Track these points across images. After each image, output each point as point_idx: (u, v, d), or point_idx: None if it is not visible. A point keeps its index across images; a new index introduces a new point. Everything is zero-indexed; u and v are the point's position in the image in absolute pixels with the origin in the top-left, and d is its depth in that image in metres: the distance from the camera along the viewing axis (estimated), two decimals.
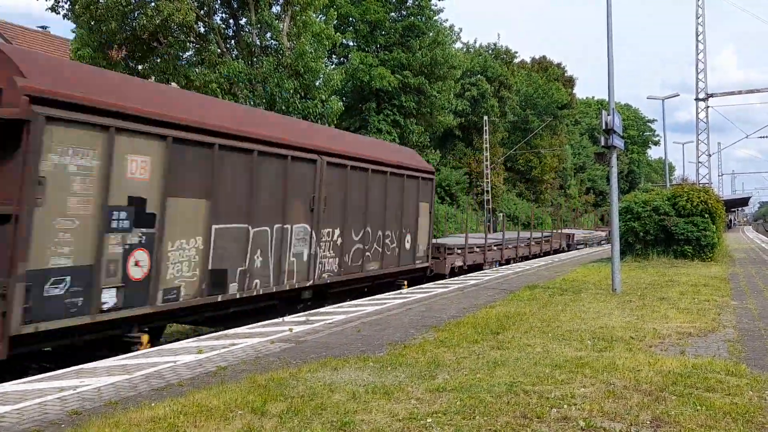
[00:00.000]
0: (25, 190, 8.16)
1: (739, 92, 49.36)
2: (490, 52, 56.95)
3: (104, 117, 9.18)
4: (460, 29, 51.72)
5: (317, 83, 26.96)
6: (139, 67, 24.91)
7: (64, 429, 5.64)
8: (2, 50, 8.75)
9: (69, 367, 8.13)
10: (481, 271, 23.11)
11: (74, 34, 24.60)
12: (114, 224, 9.36)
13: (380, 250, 16.82)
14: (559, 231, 39.56)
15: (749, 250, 33.26)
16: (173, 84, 26.02)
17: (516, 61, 60.55)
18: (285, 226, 13.12)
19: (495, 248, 26.14)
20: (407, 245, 18.31)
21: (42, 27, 34.24)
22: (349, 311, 12.76)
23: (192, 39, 25.43)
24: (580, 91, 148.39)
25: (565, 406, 6.12)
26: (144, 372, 7.74)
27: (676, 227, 23.90)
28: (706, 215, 24.03)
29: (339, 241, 15.02)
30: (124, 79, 11.21)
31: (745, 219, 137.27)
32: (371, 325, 11.08)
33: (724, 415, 5.88)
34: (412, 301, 14.21)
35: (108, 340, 9.77)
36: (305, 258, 13.80)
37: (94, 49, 22.92)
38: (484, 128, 49.40)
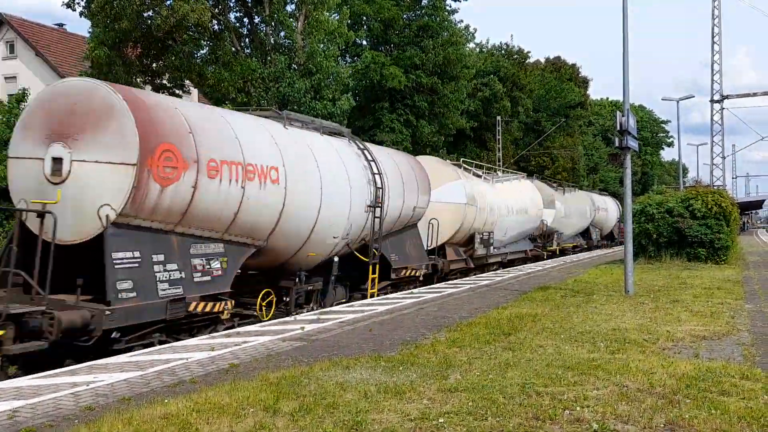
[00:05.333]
0: None
1: (755, 94, 48.75)
2: (503, 52, 56.71)
3: None
4: (475, 29, 51.38)
5: (328, 81, 26.99)
6: (154, 65, 25.02)
7: (77, 424, 5.67)
8: None
9: None
10: (493, 272, 23.07)
11: (90, 32, 24.74)
12: None
13: None
14: None
15: (763, 253, 32.99)
16: (187, 81, 26.11)
17: (529, 61, 60.24)
18: None
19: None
20: None
21: (59, 24, 34.51)
22: (361, 310, 12.75)
23: (207, 37, 25.51)
24: (595, 93, 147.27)
25: (578, 408, 6.09)
26: (157, 368, 7.78)
27: (689, 229, 23.74)
28: (720, 218, 23.86)
29: None
30: None
31: (759, 222, 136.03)
32: (383, 325, 11.08)
33: (738, 419, 5.83)
34: (424, 301, 14.20)
35: None
36: None
37: (110, 47, 23.02)
38: (497, 129, 49.26)
